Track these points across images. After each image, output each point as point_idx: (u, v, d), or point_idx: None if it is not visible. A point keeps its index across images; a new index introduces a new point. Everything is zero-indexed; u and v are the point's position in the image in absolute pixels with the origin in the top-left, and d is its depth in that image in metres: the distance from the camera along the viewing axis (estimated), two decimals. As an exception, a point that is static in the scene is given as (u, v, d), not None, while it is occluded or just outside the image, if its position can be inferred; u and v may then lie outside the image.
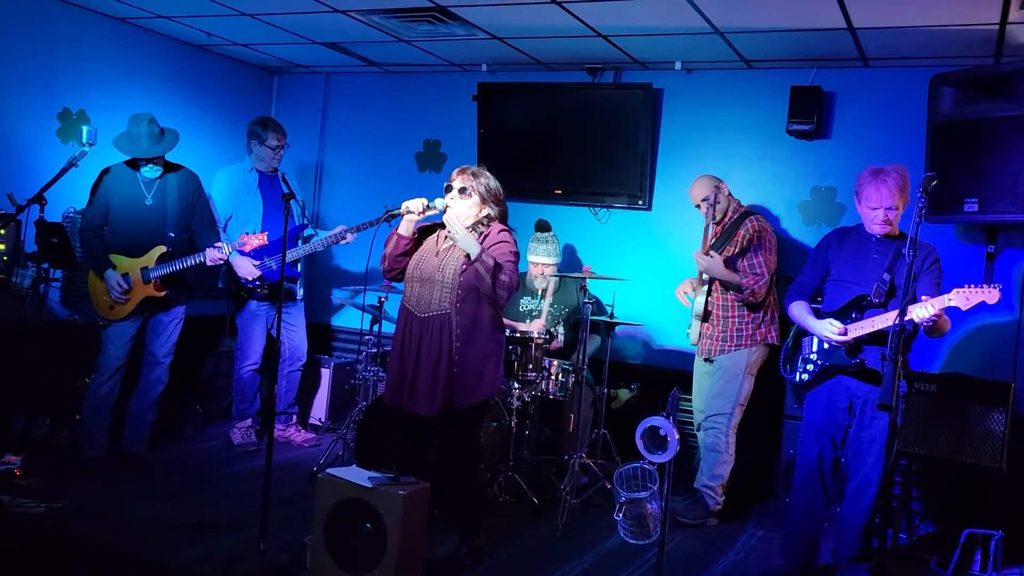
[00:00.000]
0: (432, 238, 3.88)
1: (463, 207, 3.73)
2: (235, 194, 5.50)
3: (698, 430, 4.96)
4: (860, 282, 3.83)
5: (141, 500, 4.43)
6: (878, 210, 3.79)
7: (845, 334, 3.73)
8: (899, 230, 3.89)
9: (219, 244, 4.84)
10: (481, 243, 3.69)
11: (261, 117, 5.68)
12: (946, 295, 3.48)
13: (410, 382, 3.73)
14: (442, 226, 3.80)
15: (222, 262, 4.94)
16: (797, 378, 4.00)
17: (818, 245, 4.13)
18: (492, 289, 3.62)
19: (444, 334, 3.68)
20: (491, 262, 3.61)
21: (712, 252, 4.67)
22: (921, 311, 3.47)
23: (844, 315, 3.82)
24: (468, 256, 3.64)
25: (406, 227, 3.78)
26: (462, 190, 3.73)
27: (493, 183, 3.79)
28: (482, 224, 3.79)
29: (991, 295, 3.43)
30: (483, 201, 3.76)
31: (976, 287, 3.45)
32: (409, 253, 3.84)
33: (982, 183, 4.49)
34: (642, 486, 4.17)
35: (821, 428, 3.90)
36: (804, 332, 4.01)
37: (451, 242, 3.75)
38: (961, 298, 3.46)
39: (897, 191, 3.76)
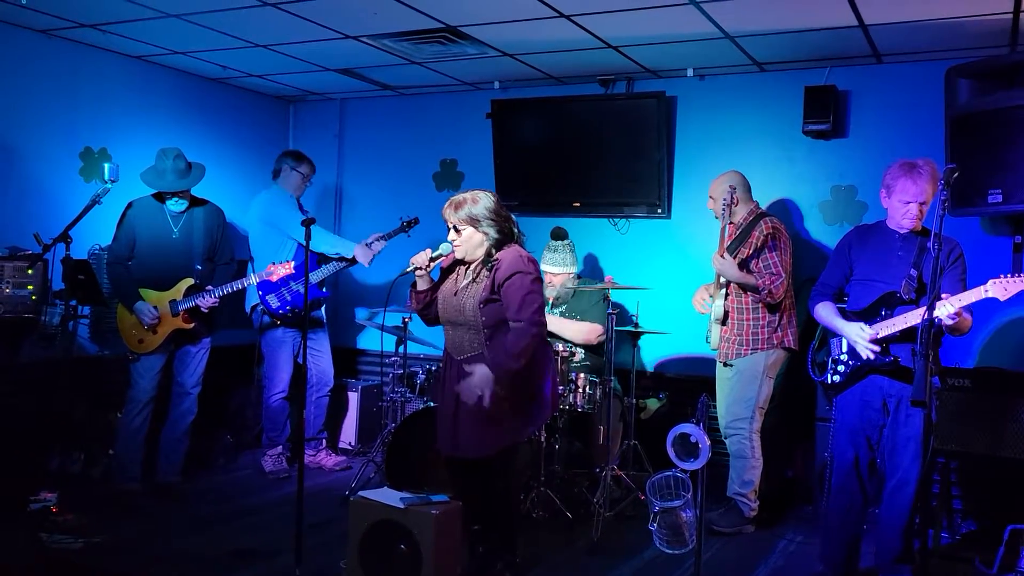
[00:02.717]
0: (452, 276, 3.76)
1: (463, 242, 3.59)
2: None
3: (725, 438, 4.92)
4: (886, 280, 3.79)
5: (176, 531, 4.45)
6: (911, 204, 3.75)
7: (876, 338, 3.69)
8: (922, 226, 3.86)
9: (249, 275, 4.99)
10: (493, 276, 3.54)
11: (295, 150, 5.84)
12: (982, 287, 3.42)
13: (451, 426, 3.63)
14: (460, 263, 3.72)
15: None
16: (829, 380, 3.95)
17: (839, 244, 4.09)
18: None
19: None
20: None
21: (727, 255, 4.65)
22: (941, 309, 3.42)
23: (874, 313, 3.77)
24: (484, 292, 3.53)
25: (421, 282, 3.71)
26: (455, 228, 3.60)
27: (481, 206, 3.57)
28: (490, 257, 3.60)
29: None
30: (476, 227, 3.57)
31: (1014, 277, 3.40)
32: (434, 302, 3.76)
33: (1005, 174, 4.44)
34: (675, 495, 4.14)
35: (856, 429, 3.85)
36: (832, 333, 3.97)
37: (468, 280, 3.63)
38: (999, 288, 3.41)
39: (931, 185, 3.74)
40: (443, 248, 3.67)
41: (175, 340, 4.99)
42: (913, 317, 3.61)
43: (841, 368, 3.89)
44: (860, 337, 3.72)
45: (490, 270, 3.58)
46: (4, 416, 4.68)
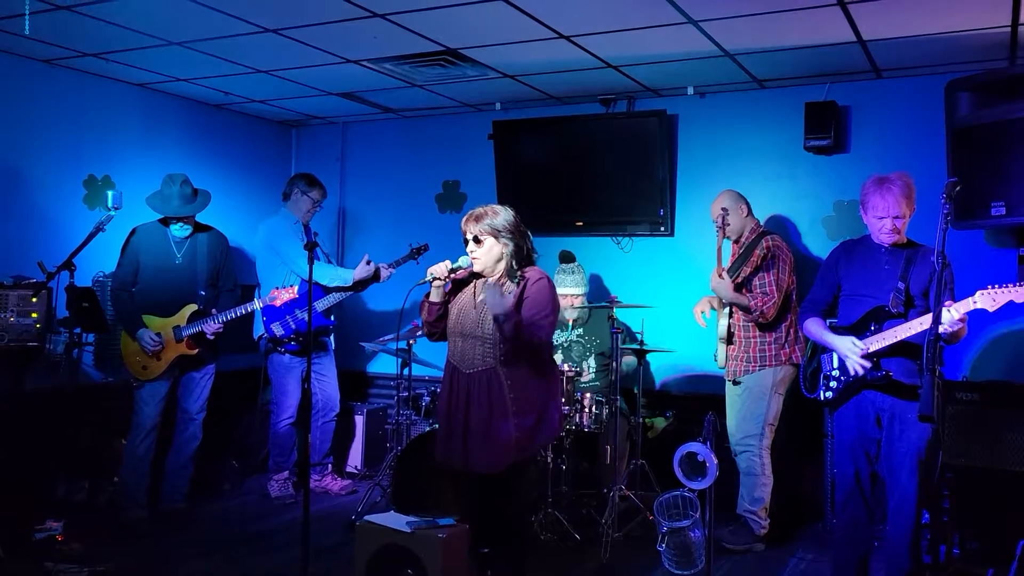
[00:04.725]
0: (469, 289, 3.72)
1: (483, 254, 3.59)
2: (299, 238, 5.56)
3: (735, 455, 4.90)
4: (874, 294, 3.78)
5: (182, 558, 4.43)
6: (885, 219, 3.75)
7: (867, 353, 3.67)
8: (907, 238, 3.85)
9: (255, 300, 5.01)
10: (521, 292, 3.52)
11: (308, 173, 5.80)
12: (970, 298, 3.39)
13: (461, 440, 3.57)
14: (477, 276, 3.70)
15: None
16: (821, 396, 3.93)
17: (827, 260, 4.09)
18: (529, 346, 3.48)
19: (494, 389, 3.52)
20: (515, 318, 3.40)
21: (725, 275, 4.64)
22: (946, 316, 3.40)
23: (863, 328, 3.76)
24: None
25: (436, 293, 3.65)
26: (475, 239, 3.60)
27: (501, 219, 3.59)
28: (513, 271, 3.58)
29: (1018, 293, 3.35)
30: (497, 239, 3.58)
31: (1002, 287, 3.38)
32: (445, 315, 3.72)
33: (1008, 186, 4.43)
34: (683, 514, 4.11)
35: (854, 445, 3.83)
36: (823, 349, 3.95)
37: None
38: (987, 299, 3.38)
39: (903, 199, 3.72)
40: (462, 261, 3.64)
41: (179, 366, 4.99)
42: (903, 331, 3.60)
43: (833, 384, 3.87)
44: (852, 352, 3.70)
45: (517, 285, 3.54)
46: (9, 444, 4.67)
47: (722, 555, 4.55)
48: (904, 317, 3.68)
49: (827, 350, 3.90)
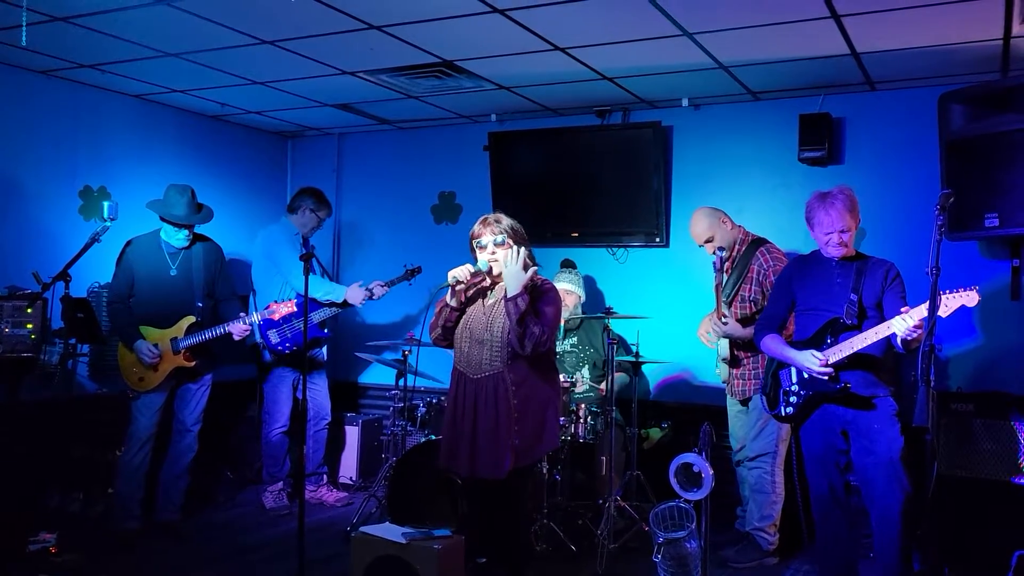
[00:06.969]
0: (479, 296, 3.75)
1: (507, 257, 3.57)
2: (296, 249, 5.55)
3: (738, 466, 4.88)
4: (829, 308, 3.81)
5: (177, 570, 4.42)
6: (832, 233, 3.79)
7: (827, 363, 3.68)
8: (855, 250, 3.89)
9: (243, 315, 4.94)
10: (530, 297, 3.52)
11: (318, 189, 5.80)
12: (923, 304, 3.36)
13: (468, 445, 3.57)
14: (481, 284, 3.72)
15: (247, 333, 4.99)
16: (783, 412, 3.93)
17: (779, 276, 4.12)
18: (520, 338, 3.43)
19: (500, 394, 3.53)
20: (523, 307, 3.42)
21: (726, 313, 4.57)
22: (901, 323, 3.43)
23: (819, 340, 3.78)
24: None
25: (455, 299, 3.66)
26: (499, 243, 3.61)
27: (507, 223, 3.66)
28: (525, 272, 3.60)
29: (970, 298, 3.38)
30: (516, 243, 3.61)
31: (953, 292, 3.40)
32: (458, 321, 3.73)
33: (1001, 197, 4.46)
34: (679, 525, 4.10)
35: (824, 458, 3.85)
36: (782, 364, 3.96)
37: (497, 297, 3.62)
38: (940, 306, 3.40)
39: (847, 212, 3.76)
40: (481, 265, 3.64)
41: (176, 377, 4.97)
42: (859, 341, 3.62)
43: (793, 399, 3.88)
44: (812, 363, 3.70)
45: (528, 291, 3.54)
46: (3, 456, 4.65)
47: (718, 567, 4.53)
48: (858, 328, 3.72)
49: (785, 366, 3.91)
